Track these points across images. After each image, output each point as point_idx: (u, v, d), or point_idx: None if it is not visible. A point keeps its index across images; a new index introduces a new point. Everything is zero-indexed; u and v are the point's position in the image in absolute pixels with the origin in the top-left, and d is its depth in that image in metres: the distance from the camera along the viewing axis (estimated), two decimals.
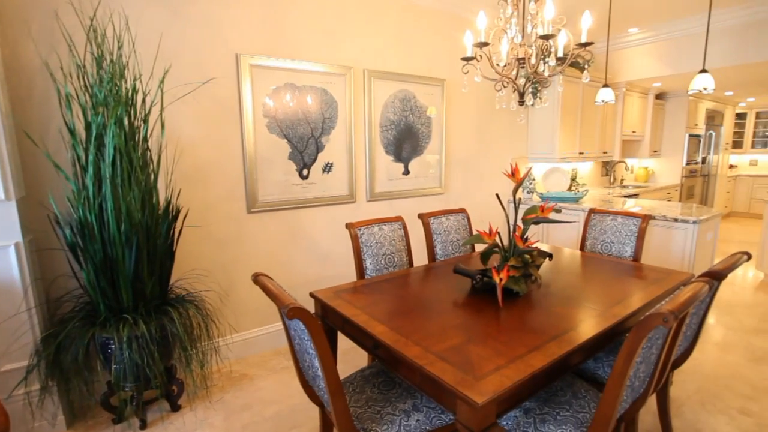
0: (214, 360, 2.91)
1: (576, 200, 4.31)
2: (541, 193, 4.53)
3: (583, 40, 2.01)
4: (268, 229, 3.08)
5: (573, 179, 5.18)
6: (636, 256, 2.63)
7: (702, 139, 6.89)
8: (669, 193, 6.23)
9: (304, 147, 3.20)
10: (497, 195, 2.02)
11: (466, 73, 2.36)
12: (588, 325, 1.61)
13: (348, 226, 2.48)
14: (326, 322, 1.99)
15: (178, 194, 2.66)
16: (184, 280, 2.74)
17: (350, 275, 3.51)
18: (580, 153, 4.91)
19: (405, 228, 2.72)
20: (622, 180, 6.39)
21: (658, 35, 4.79)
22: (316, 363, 1.36)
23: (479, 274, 2.06)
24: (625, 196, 5.17)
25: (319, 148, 3.28)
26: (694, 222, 3.26)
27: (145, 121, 2.22)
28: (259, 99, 2.92)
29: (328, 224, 3.38)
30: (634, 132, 5.88)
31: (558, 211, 3.85)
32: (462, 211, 3.08)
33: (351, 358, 2.97)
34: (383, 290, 2.08)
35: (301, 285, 3.30)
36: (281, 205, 3.11)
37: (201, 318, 2.38)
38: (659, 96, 6.59)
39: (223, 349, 2.96)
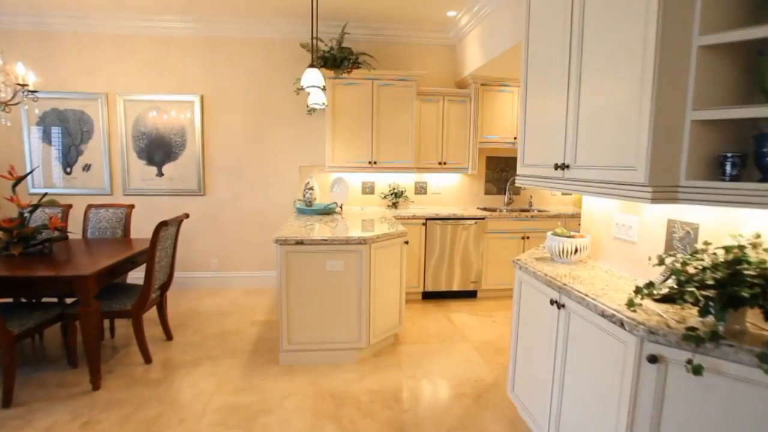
0: None
1: (327, 212, 4.09)
2: (309, 202, 4.41)
3: None
4: None
5: (393, 193, 4.65)
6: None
7: None
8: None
9: (67, 151, 4.50)
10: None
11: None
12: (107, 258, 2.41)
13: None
14: None
15: None
16: None
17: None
18: (419, 163, 4.44)
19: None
20: (530, 202, 5.03)
21: (477, 13, 3.98)
22: None
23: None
24: (403, 220, 4.34)
25: (78, 153, 4.51)
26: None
27: None
28: (33, 120, 4.39)
29: None
30: (515, 138, 4.66)
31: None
32: (122, 206, 3.75)
33: None
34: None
35: None
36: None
37: None
38: None
39: None
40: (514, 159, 5.02)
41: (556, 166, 1.90)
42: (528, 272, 2.12)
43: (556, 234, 2.23)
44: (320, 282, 2.85)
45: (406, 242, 3.28)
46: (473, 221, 4.34)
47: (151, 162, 4.58)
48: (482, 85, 4.51)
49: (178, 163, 4.60)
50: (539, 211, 4.78)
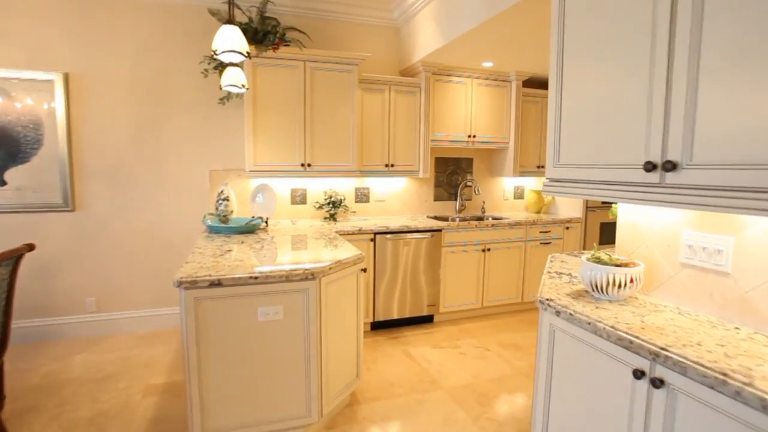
0: None
1: (250, 230, 3.09)
2: (224, 216, 3.38)
3: None
4: None
5: (331, 203, 3.81)
6: None
7: None
8: (548, 232, 4.16)
9: None
10: None
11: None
12: None
13: None
14: None
15: None
16: None
17: None
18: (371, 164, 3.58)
19: None
20: (483, 209, 4.52)
21: None
22: None
23: None
24: (351, 234, 3.59)
25: None
26: None
27: None
28: None
29: None
30: (473, 137, 4.11)
31: None
32: None
33: None
34: None
35: None
36: None
37: None
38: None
39: None
40: (467, 160, 4.48)
41: (650, 167, 1.24)
42: (574, 321, 1.46)
43: (598, 260, 1.60)
44: (249, 338, 1.94)
45: (364, 270, 2.49)
46: (428, 234, 3.67)
47: None
48: (434, 74, 3.87)
49: (31, 166, 3.30)
50: (495, 218, 4.28)
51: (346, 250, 2.45)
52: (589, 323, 1.40)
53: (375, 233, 3.50)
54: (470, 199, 4.55)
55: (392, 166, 3.86)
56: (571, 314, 1.48)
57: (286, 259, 2.20)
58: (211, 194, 3.62)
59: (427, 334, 3.63)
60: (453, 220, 4.29)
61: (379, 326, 3.67)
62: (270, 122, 3.37)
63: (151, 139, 3.48)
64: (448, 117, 4.00)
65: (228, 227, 3.01)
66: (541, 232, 4.12)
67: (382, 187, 4.17)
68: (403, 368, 3.00)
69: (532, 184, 4.84)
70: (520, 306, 4.22)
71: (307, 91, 3.43)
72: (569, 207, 4.46)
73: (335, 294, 2.21)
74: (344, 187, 4.03)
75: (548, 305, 1.59)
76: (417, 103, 3.87)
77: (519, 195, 4.79)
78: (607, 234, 4.45)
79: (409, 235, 3.61)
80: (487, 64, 3.81)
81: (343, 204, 3.87)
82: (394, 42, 4.09)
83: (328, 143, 3.54)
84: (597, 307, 1.50)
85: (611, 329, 1.32)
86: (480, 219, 4.38)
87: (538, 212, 4.59)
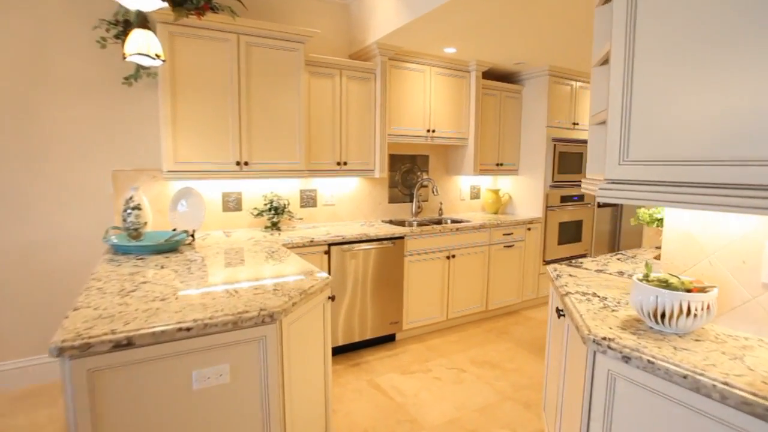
0: None
1: (172, 247, 2.36)
2: (135, 230, 2.60)
3: None
4: None
5: (273, 209, 3.17)
6: None
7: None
8: (511, 234, 3.89)
9: None
10: None
11: None
12: None
13: None
14: None
15: None
16: None
17: None
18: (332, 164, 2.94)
19: None
20: (441, 210, 4.15)
21: None
22: None
23: None
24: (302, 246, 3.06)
25: None
26: None
27: None
28: None
29: None
30: (433, 132, 3.71)
31: None
32: None
33: None
34: None
35: None
36: None
37: None
38: (508, 77, 4.31)
39: None
40: (423, 157, 4.08)
41: None
42: (657, 371, 1.07)
43: (666, 284, 1.23)
44: (180, 417, 1.32)
45: (332, 298, 1.94)
46: (390, 242, 3.20)
47: None
48: (391, 59, 3.40)
49: None
50: (454, 221, 3.93)
51: (305, 272, 1.90)
52: (684, 376, 1.01)
53: (329, 244, 2.95)
54: (427, 200, 4.16)
55: (345, 164, 3.33)
56: (650, 361, 1.08)
57: (226, 291, 1.59)
58: (115, 202, 2.82)
59: (391, 356, 3.16)
60: (410, 224, 3.86)
61: (336, 352, 3.12)
62: (194, 109, 2.67)
63: (24, 131, 2.60)
64: (405, 109, 3.56)
65: (141, 245, 2.28)
66: (504, 234, 3.84)
67: (332, 188, 3.62)
68: (373, 406, 2.50)
69: (488, 183, 4.57)
70: (483, 315, 3.91)
71: (242, 71, 2.78)
72: (528, 206, 4.25)
73: (300, 335, 1.65)
74: (287, 189, 3.42)
75: (609, 347, 1.19)
76: (372, 92, 3.38)
77: (475, 195, 4.50)
78: (567, 234, 4.31)
79: (368, 245, 3.11)
80: (450, 51, 3.43)
81: (287, 210, 3.26)
82: (342, 20, 3.55)
83: (268, 136, 2.92)
84: (675, 348, 1.13)
85: (725, 387, 0.94)
86: (438, 222, 4.01)
87: (496, 213, 4.33)
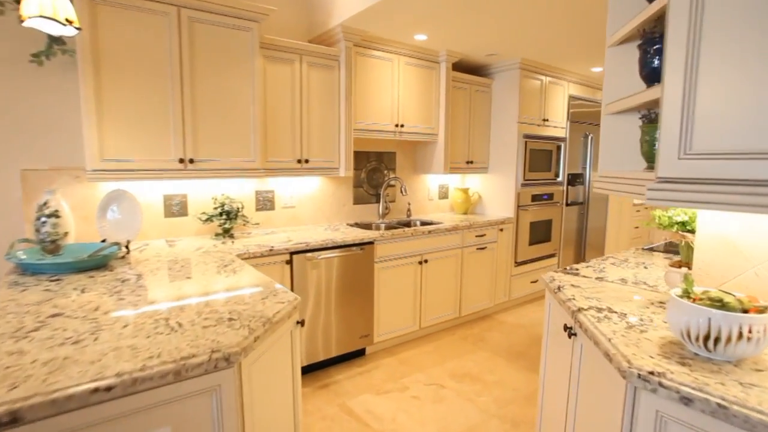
0: None
1: (100, 264, 1.91)
2: (51, 243, 2.12)
3: None
4: None
5: (225, 213, 2.77)
6: None
7: (564, 146, 4.34)
8: (484, 236, 3.70)
9: None
10: None
11: None
12: None
13: None
14: None
15: None
16: None
17: None
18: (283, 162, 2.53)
19: None
20: (409, 211, 3.90)
21: None
22: None
23: None
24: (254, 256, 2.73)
25: None
26: None
27: None
28: None
29: None
30: (401, 127, 3.43)
31: None
32: None
33: None
34: None
35: None
36: None
37: None
38: (478, 71, 4.13)
39: None
40: (389, 154, 3.81)
41: None
42: (734, 420, 0.85)
43: (719, 303, 1.02)
44: None
45: (300, 322, 1.62)
46: (358, 248, 2.90)
47: None
48: (356, 45, 3.09)
49: None
50: (423, 222, 3.70)
51: (267, 292, 1.56)
52: None
53: (292, 252, 2.60)
54: (394, 201, 3.89)
55: (306, 162, 2.98)
56: (720, 405, 0.86)
57: (167, 324, 1.23)
58: (25, 209, 2.32)
59: (363, 373, 2.86)
60: (378, 227, 3.58)
61: (303, 371, 2.77)
62: (125, 95, 2.24)
63: None
64: (372, 101, 3.26)
65: (56, 263, 1.84)
66: (476, 236, 3.64)
67: (291, 189, 3.26)
68: None
69: (456, 182, 4.37)
70: (457, 321, 3.70)
71: (184, 52, 2.36)
72: (498, 206, 4.10)
73: (263, 375, 1.32)
74: (241, 190, 3.03)
75: (660, 384, 0.96)
76: (336, 82, 3.05)
77: (444, 195, 4.29)
78: (537, 234, 4.19)
79: (335, 252, 2.79)
80: (420, 38, 3.17)
81: (240, 214, 2.87)
82: (300, 1, 3.19)
83: (218, 130, 2.53)
84: (742, 384, 0.92)
85: None
86: (408, 224, 3.76)
87: (465, 213, 4.14)
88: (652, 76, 1.30)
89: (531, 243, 4.13)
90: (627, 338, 1.17)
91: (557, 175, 4.32)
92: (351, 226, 3.41)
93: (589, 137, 4.58)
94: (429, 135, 3.64)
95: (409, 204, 3.95)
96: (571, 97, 4.35)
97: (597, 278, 1.85)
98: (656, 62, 1.28)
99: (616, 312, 1.39)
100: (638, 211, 5.69)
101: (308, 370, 2.83)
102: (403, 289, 3.19)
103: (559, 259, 4.44)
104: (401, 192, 3.67)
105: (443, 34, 3.08)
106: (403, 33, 3.05)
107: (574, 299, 1.53)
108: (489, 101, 4.08)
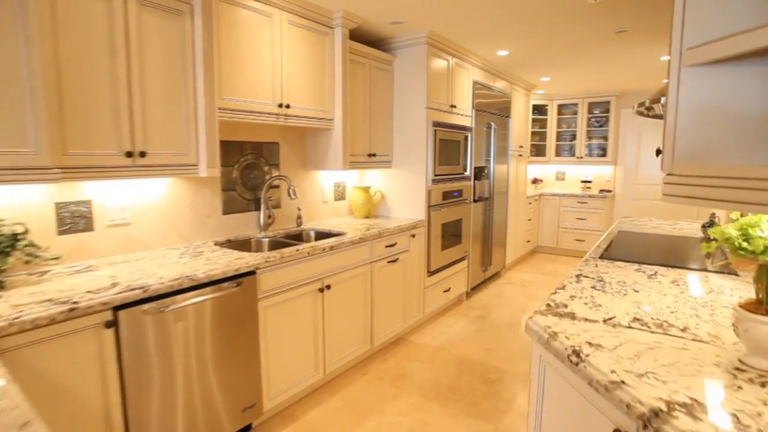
0: None
1: None
2: None
3: None
4: None
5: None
6: None
7: (470, 136, 3.90)
8: (395, 244, 3.02)
9: None
10: None
11: None
12: None
13: None
14: None
15: None
16: None
17: None
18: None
19: None
20: (299, 218, 3.02)
21: None
22: None
23: None
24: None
25: None
26: None
27: None
28: None
29: None
30: (287, 107, 2.53)
31: None
32: None
33: None
34: None
35: None
36: None
37: None
38: (379, 44, 3.42)
39: None
40: (271, 145, 2.88)
41: None
42: None
43: None
44: None
45: None
46: (233, 283, 1.97)
47: None
48: None
49: None
50: (320, 233, 2.89)
51: None
52: None
53: (116, 307, 1.56)
54: (279, 207, 2.98)
55: (142, 155, 1.91)
56: None
57: None
58: None
59: None
60: (260, 244, 2.65)
61: None
62: None
63: None
64: (245, 70, 2.30)
65: None
66: (386, 246, 2.96)
67: (122, 197, 2.14)
68: None
69: (354, 179, 3.62)
70: (369, 354, 2.99)
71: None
72: (405, 206, 3.48)
73: None
74: (25, 202, 1.83)
75: None
76: (188, 35, 2.03)
77: (340, 195, 3.50)
78: (449, 236, 3.68)
79: (194, 295, 1.81)
80: None
81: (23, 243, 1.69)
82: None
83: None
84: None
85: None
86: (300, 237, 2.89)
87: (367, 216, 3.44)
88: None
89: (444, 248, 3.61)
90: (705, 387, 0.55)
91: (465, 169, 3.87)
92: (221, 245, 2.42)
93: (492, 127, 4.24)
94: (323, 120, 2.82)
95: (299, 209, 3.08)
96: (475, 83, 3.93)
97: (605, 320, 1.28)
98: None
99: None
100: (530, 203, 5.67)
101: None
102: (299, 328, 2.34)
103: (468, 262, 4.03)
104: (289, 195, 2.77)
105: None
106: None
107: (626, 386, 0.90)
108: (391, 81, 3.41)
